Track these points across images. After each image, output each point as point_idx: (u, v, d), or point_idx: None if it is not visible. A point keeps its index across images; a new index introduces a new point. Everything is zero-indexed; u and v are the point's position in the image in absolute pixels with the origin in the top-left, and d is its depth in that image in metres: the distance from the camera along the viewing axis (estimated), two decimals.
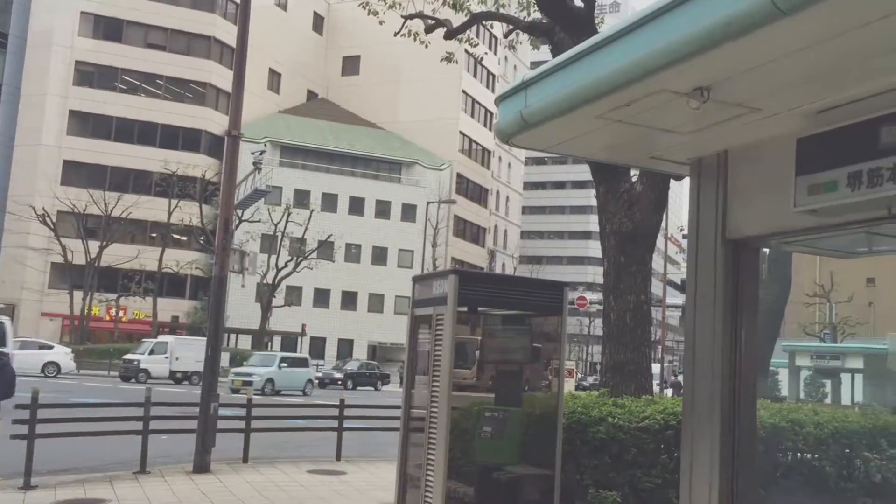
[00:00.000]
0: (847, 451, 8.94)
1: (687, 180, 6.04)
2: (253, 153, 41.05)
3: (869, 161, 4.05)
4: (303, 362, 38.38)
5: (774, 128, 4.81)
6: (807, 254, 7.51)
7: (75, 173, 55.58)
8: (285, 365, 36.37)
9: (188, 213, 50.53)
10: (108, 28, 58.73)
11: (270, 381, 34.65)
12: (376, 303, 62.90)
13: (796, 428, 8.68)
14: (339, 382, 42.67)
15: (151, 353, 38.11)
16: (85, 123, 57.59)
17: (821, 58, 3.77)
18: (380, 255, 63.42)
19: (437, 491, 6.61)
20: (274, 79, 67.23)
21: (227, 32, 57.82)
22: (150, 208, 53.72)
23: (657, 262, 48.48)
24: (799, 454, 8.83)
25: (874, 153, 4.03)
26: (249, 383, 32.05)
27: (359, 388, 42.55)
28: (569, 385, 30.48)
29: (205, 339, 13.65)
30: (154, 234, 55.96)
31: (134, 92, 58.71)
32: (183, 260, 53.67)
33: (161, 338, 41.62)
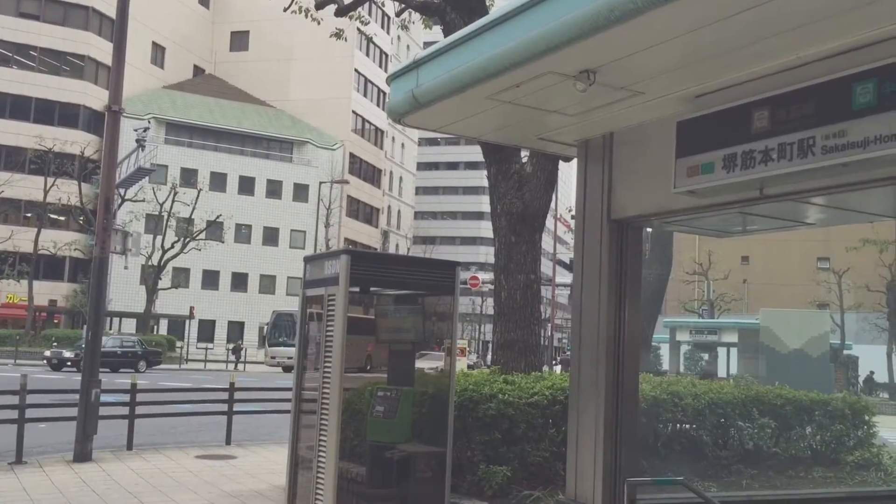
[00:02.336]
0: (722, 420, 9.45)
1: (575, 162, 6.19)
2: (136, 130, 39.46)
3: (743, 144, 4.25)
4: None
5: (656, 111, 4.98)
6: (687, 233, 7.84)
7: None
8: None
9: (66, 191, 48.11)
10: None
11: None
12: (268, 284, 61.75)
13: (676, 400, 9.10)
14: (70, 364, 33.34)
15: None
16: None
17: (698, 44, 3.92)
18: (271, 236, 62.20)
19: (328, 472, 6.58)
20: (158, 53, 64.55)
21: (106, 2, 54.96)
22: (25, 187, 50.83)
23: (547, 242, 49.60)
24: (678, 425, 9.26)
25: (748, 136, 4.23)
26: None
27: (122, 370, 33.50)
28: (461, 364, 30.83)
29: None
30: (29, 214, 53.04)
31: (5, 64, 55.30)
32: (61, 241, 51.08)
33: None
